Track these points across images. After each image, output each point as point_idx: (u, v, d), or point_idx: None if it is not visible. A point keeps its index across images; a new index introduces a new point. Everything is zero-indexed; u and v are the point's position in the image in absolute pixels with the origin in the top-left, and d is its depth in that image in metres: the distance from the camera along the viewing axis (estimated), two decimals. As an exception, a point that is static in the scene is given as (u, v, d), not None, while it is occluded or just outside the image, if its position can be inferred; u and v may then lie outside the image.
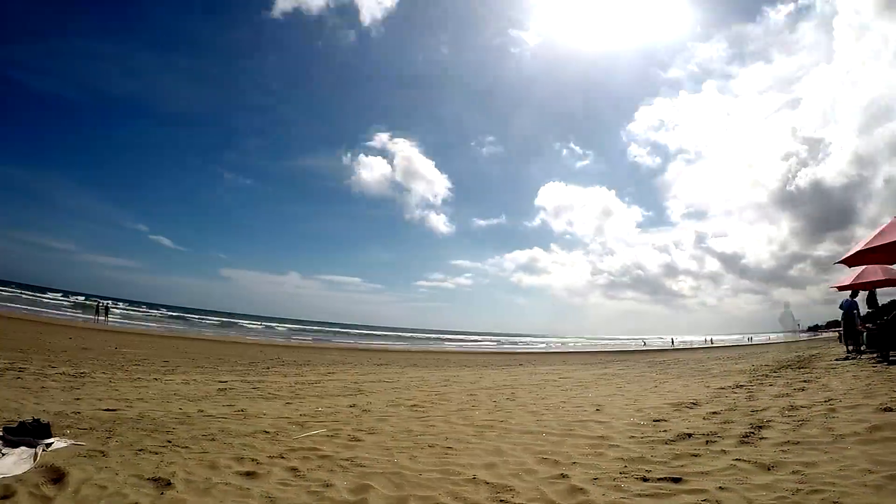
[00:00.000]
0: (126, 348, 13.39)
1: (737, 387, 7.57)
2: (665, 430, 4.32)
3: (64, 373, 7.19)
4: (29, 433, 3.40)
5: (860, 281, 12.10)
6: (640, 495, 2.72)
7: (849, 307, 11.91)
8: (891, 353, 9.53)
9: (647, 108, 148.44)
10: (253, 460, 3.36)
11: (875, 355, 10.21)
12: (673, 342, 66.16)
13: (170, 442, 3.77)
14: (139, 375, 7.82)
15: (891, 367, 8.25)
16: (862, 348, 11.72)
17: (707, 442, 3.81)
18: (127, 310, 52.07)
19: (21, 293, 48.01)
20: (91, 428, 4.04)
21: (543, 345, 61.42)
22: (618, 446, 3.85)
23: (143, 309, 60.72)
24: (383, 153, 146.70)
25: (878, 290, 12.67)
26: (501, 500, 2.72)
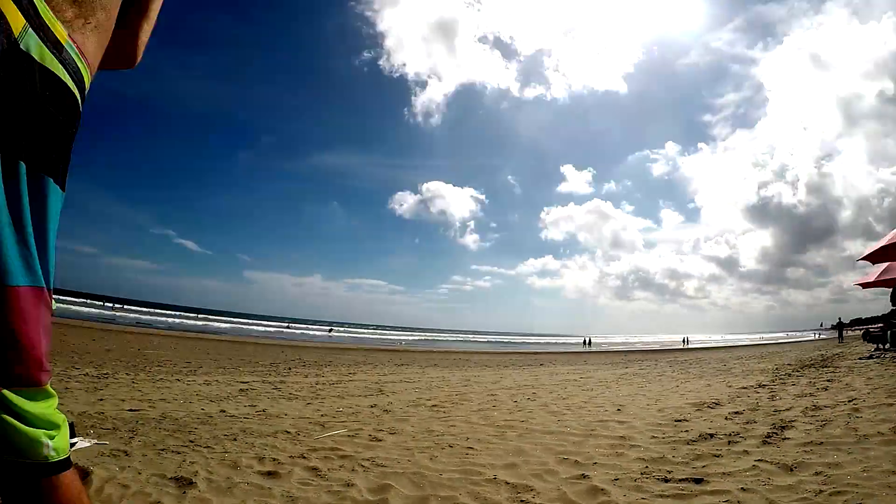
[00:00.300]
0: (148, 349, 13.67)
1: (759, 386, 7.44)
2: (686, 431, 4.27)
3: (87, 374, 7.37)
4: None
5: (884, 278, 11.76)
6: (661, 496, 2.69)
7: None
8: None
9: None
10: (274, 460, 3.40)
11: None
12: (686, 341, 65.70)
13: (192, 442, 3.84)
14: (162, 376, 7.97)
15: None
16: (887, 346, 11.36)
17: (729, 442, 3.75)
18: (150, 311, 53.20)
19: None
20: (114, 428, 4.13)
21: (565, 344, 61.09)
22: (639, 446, 3.81)
23: (167, 310, 62.00)
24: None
25: None
26: (522, 501, 2.71)
